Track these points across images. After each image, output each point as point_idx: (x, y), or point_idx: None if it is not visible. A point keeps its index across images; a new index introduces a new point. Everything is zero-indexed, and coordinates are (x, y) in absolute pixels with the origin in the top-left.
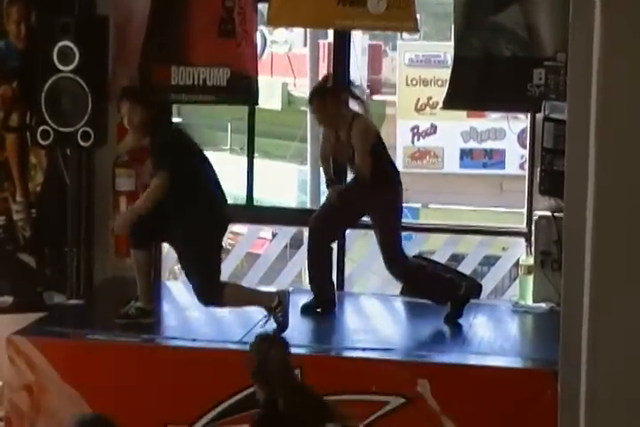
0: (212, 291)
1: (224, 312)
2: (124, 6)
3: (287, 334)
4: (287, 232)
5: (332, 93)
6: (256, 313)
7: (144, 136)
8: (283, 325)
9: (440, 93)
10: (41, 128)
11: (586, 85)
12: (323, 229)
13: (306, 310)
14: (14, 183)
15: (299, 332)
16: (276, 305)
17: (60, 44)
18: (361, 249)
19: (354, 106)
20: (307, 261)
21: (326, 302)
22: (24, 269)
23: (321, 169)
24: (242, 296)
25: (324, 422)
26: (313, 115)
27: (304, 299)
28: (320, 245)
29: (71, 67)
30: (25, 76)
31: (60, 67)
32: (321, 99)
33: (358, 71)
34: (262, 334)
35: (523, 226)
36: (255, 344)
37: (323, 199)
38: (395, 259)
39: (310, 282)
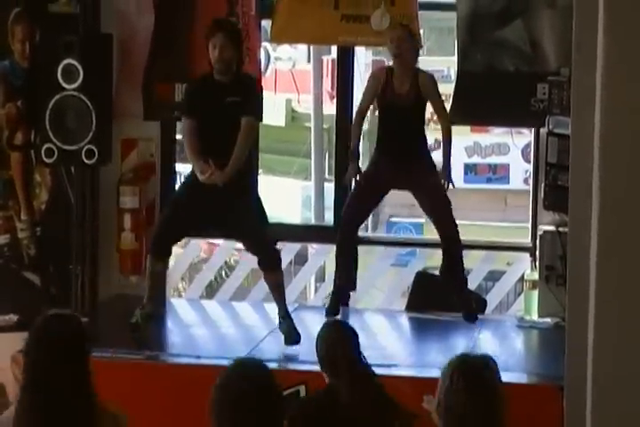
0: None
1: (228, 329)
2: (128, 24)
3: (292, 349)
4: (292, 248)
5: (414, 34)
6: (260, 329)
7: (224, 73)
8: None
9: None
10: (45, 146)
11: (589, 101)
12: (353, 221)
13: (331, 311)
14: (19, 201)
15: (303, 347)
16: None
17: (65, 62)
18: (365, 265)
19: None
20: (336, 252)
21: (347, 296)
22: (29, 287)
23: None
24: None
25: (388, 419)
26: (393, 43)
27: (309, 315)
28: (351, 236)
29: (75, 85)
30: (30, 95)
31: (65, 85)
32: (405, 29)
33: (362, 87)
34: (331, 320)
35: (527, 241)
36: (324, 330)
37: (327, 216)
38: (454, 236)
39: (337, 272)
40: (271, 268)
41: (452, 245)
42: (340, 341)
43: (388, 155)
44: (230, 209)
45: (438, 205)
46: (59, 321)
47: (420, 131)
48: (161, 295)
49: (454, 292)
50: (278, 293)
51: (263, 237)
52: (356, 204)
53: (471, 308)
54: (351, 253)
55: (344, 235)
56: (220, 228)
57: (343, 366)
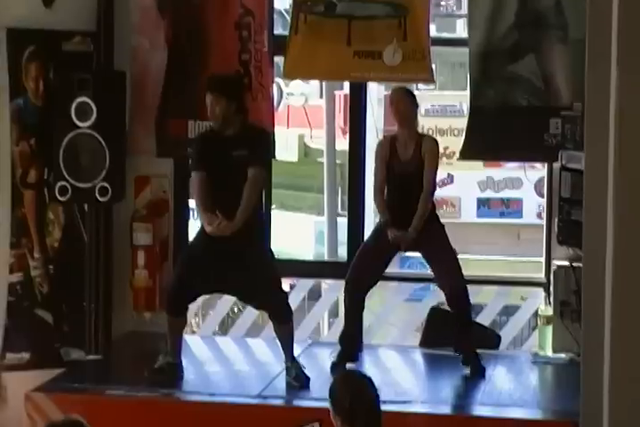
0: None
1: (242, 365)
2: (142, 61)
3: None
4: (305, 284)
5: (412, 96)
6: (274, 367)
7: (226, 127)
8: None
9: (456, 143)
10: (59, 184)
11: (603, 136)
12: (362, 280)
13: (335, 367)
14: (32, 239)
15: (318, 384)
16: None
17: (78, 100)
18: (379, 301)
19: None
20: (344, 311)
21: (355, 354)
22: (42, 325)
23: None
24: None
25: None
26: (392, 107)
27: (322, 351)
28: (358, 297)
29: (89, 123)
30: (43, 133)
31: (78, 123)
32: (404, 94)
33: (375, 122)
34: (353, 371)
35: (541, 276)
36: (347, 381)
37: (340, 251)
38: (463, 290)
39: (344, 334)
40: (283, 321)
41: (457, 307)
42: (358, 394)
43: (394, 219)
44: (241, 263)
45: (446, 265)
46: None
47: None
48: (181, 345)
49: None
50: (287, 342)
51: (275, 292)
52: (362, 264)
53: (477, 369)
54: (358, 318)
55: (351, 299)
56: (231, 284)
57: (362, 421)
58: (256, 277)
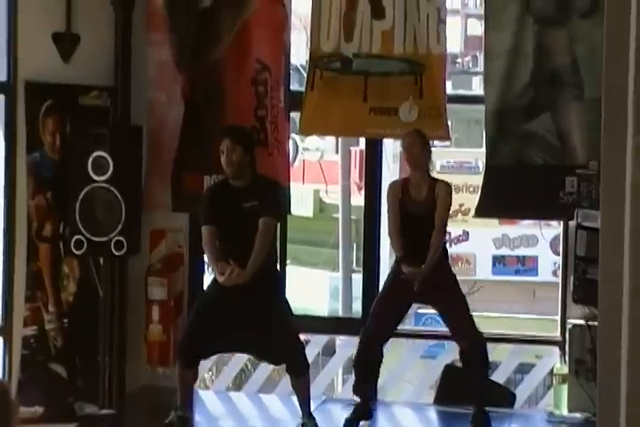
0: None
1: (256, 422)
2: (158, 115)
3: None
4: (319, 340)
5: (425, 138)
6: (288, 423)
7: (240, 176)
8: None
9: (472, 200)
10: (75, 238)
11: (619, 194)
12: (378, 334)
13: (349, 423)
14: (47, 293)
15: None
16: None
17: (95, 154)
18: (394, 357)
19: None
20: (355, 368)
21: (369, 411)
22: (55, 379)
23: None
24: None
25: None
26: (405, 151)
27: (336, 408)
28: (374, 353)
29: (105, 177)
30: (59, 187)
31: (95, 177)
32: (416, 137)
33: (390, 178)
34: None
35: (556, 334)
36: None
37: (354, 307)
38: (479, 342)
39: (357, 390)
40: (301, 374)
41: (476, 351)
42: None
43: (407, 264)
44: (256, 313)
45: (460, 317)
46: None
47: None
48: (192, 398)
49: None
50: (304, 395)
51: (292, 343)
52: (377, 317)
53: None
54: (374, 372)
55: (366, 352)
56: (246, 337)
57: None
58: (272, 327)
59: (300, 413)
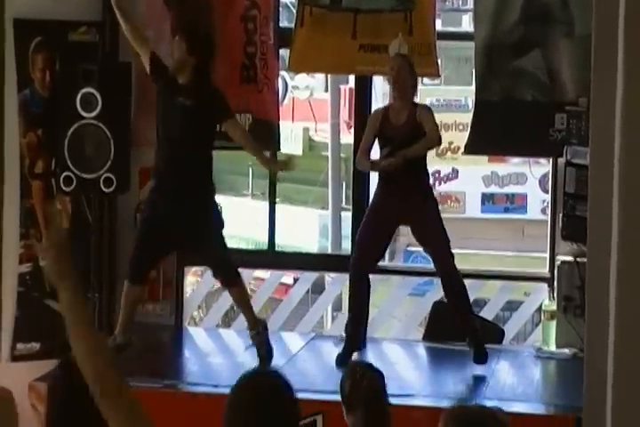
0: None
1: (245, 357)
2: None
3: (310, 380)
4: (309, 277)
5: (412, 66)
6: (278, 358)
7: (179, 72)
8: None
9: (461, 138)
10: (64, 174)
11: (608, 131)
12: (365, 258)
13: (341, 358)
14: (40, 230)
15: (320, 377)
16: (255, 333)
17: (83, 90)
18: (383, 294)
19: None
20: (350, 294)
21: (361, 342)
22: (51, 315)
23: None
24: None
25: None
26: (392, 74)
27: (325, 344)
28: (363, 277)
29: (94, 113)
30: (50, 124)
31: (83, 113)
32: (405, 62)
33: None
34: (360, 362)
35: (545, 271)
36: (351, 370)
37: (344, 244)
38: (453, 271)
39: (351, 321)
40: (233, 282)
41: (452, 280)
42: (358, 383)
43: (389, 186)
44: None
45: (436, 238)
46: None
47: (419, 164)
48: (132, 324)
49: (463, 331)
50: (244, 304)
51: (219, 254)
52: (365, 241)
53: (481, 348)
54: (365, 300)
55: (357, 273)
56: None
57: (360, 408)
58: (204, 236)
59: (248, 325)
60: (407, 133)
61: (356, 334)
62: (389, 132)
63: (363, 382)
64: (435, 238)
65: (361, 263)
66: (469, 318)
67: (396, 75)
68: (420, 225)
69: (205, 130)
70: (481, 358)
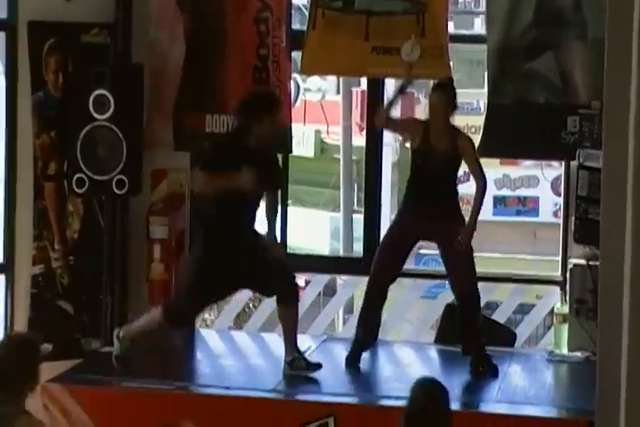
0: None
1: (257, 359)
2: (159, 54)
3: (321, 382)
4: (320, 280)
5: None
6: None
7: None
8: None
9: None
10: (76, 176)
11: (622, 134)
12: (385, 272)
13: (352, 361)
14: (52, 231)
15: (332, 379)
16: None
17: (96, 92)
18: (395, 297)
19: None
20: (363, 304)
21: (370, 342)
22: (63, 316)
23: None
24: None
25: None
26: (432, 103)
27: (337, 347)
28: (381, 290)
29: (106, 115)
30: (63, 125)
31: (96, 115)
32: (444, 89)
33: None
34: (428, 377)
35: (557, 274)
36: (416, 384)
37: (355, 247)
38: (475, 290)
39: (360, 326)
40: (288, 303)
41: (468, 306)
42: (416, 398)
43: (417, 206)
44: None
45: (461, 263)
46: None
47: (451, 187)
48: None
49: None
50: (290, 327)
51: (280, 273)
52: (385, 256)
53: (491, 369)
54: (379, 308)
55: (373, 289)
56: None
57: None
58: (258, 257)
59: (285, 349)
60: (447, 158)
61: (365, 334)
62: (428, 150)
63: (419, 399)
64: (460, 264)
65: (381, 278)
66: (479, 335)
67: (431, 116)
68: (449, 249)
69: None
70: (491, 373)
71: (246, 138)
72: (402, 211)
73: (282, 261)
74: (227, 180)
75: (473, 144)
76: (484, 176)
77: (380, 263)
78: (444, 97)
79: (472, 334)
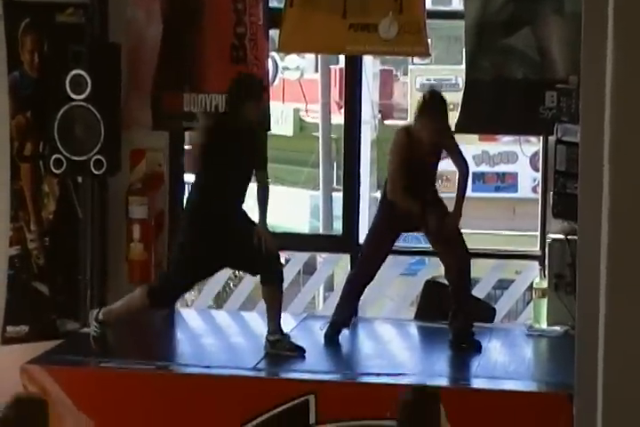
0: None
1: (237, 338)
2: (136, 34)
3: (302, 360)
4: (300, 258)
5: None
6: None
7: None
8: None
9: (452, 117)
10: (54, 157)
11: (599, 108)
12: (366, 276)
13: (331, 338)
14: (28, 212)
15: (312, 357)
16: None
17: (73, 72)
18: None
19: None
20: (345, 285)
21: (348, 320)
22: (39, 297)
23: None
24: None
25: None
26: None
27: (317, 324)
28: (368, 274)
29: (83, 95)
30: (39, 106)
31: (73, 95)
32: (441, 127)
33: (370, 96)
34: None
35: (536, 249)
36: (409, 391)
37: (335, 225)
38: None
39: (340, 306)
40: (271, 283)
41: (462, 278)
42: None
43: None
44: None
45: (451, 241)
46: None
47: (433, 178)
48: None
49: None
50: (274, 306)
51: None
52: (369, 256)
53: (474, 346)
54: (358, 297)
55: (355, 283)
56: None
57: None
58: (245, 237)
59: (268, 328)
60: (428, 150)
61: (342, 312)
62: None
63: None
64: (451, 242)
65: (360, 279)
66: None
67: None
68: (436, 236)
69: None
70: (474, 350)
71: (234, 120)
72: (383, 208)
73: (269, 242)
74: None
75: (454, 137)
76: (467, 164)
77: (363, 266)
78: (432, 124)
79: (461, 311)
